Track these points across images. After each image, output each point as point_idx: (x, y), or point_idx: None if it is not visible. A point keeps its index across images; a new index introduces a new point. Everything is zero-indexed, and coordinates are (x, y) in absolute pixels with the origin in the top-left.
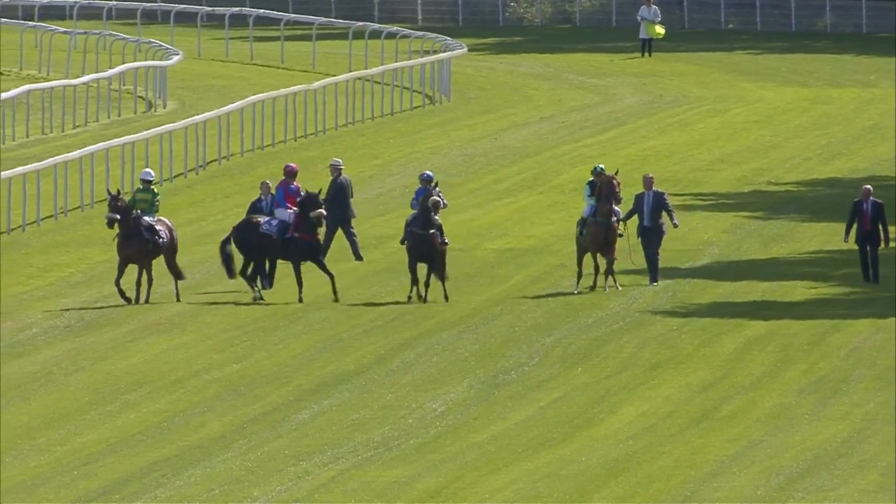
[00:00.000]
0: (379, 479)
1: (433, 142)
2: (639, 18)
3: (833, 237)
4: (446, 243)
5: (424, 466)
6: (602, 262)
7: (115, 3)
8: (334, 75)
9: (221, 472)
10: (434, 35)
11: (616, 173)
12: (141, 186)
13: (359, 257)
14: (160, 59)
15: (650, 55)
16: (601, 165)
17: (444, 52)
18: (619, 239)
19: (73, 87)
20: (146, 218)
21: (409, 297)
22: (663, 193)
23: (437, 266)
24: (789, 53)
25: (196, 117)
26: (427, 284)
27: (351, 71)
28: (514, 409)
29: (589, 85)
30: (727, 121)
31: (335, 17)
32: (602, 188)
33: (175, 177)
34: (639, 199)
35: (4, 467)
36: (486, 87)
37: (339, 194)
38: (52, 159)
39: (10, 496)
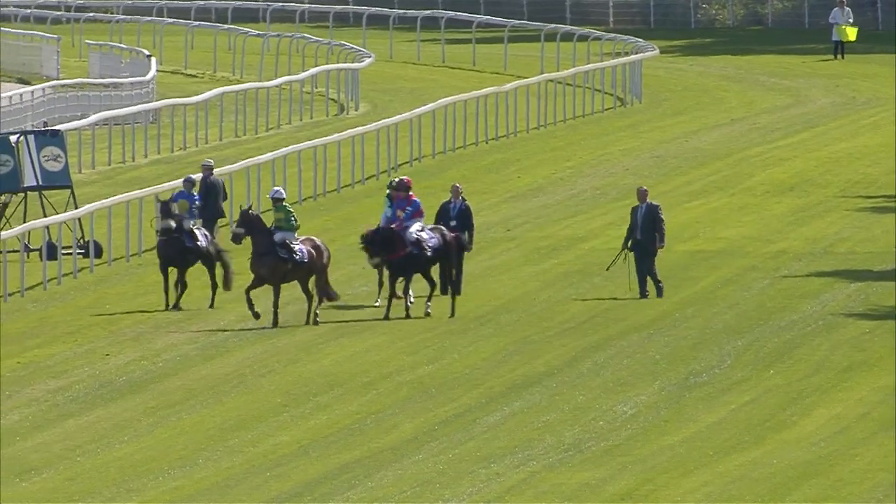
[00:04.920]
0: (569, 481)
1: (624, 144)
2: (831, 21)
3: None
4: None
5: (615, 469)
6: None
7: (307, 5)
8: (526, 77)
9: (413, 473)
10: (625, 37)
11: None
12: (273, 207)
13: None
14: (352, 62)
15: (843, 57)
16: (398, 179)
17: (636, 53)
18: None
19: (266, 90)
20: (287, 235)
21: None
22: (657, 206)
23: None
24: None
25: (387, 120)
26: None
27: (542, 73)
28: (705, 411)
29: (781, 87)
30: None
31: (527, 20)
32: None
33: (367, 179)
34: (633, 212)
35: (198, 468)
36: (677, 88)
37: (210, 194)
38: (244, 162)
39: (205, 497)
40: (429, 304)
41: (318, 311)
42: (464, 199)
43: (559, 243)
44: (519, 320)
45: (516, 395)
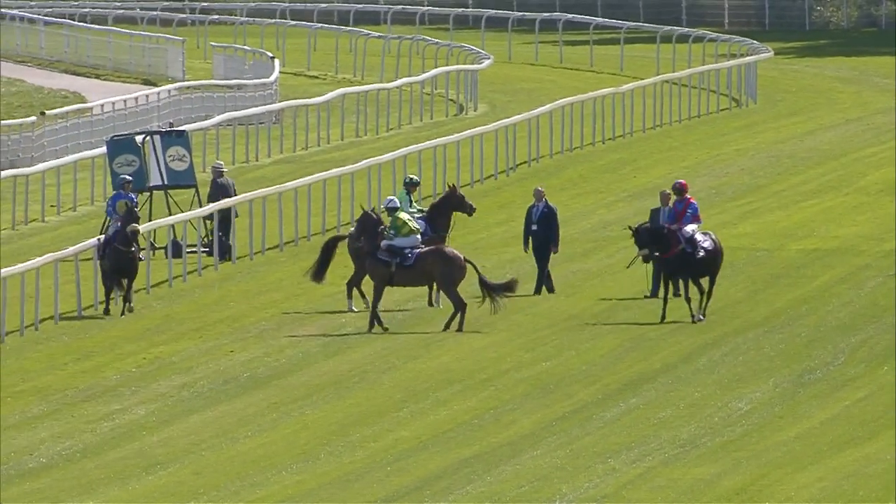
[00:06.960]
0: (685, 476)
1: (739, 144)
2: None
3: None
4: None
5: (730, 464)
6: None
7: (427, 8)
8: (642, 78)
9: (531, 468)
10: (740, 38)
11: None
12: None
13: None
14: (471, 63)
15: None
16: (413, 176)
17: (751, 55)
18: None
19: (387, 91)
20: (398, 242)
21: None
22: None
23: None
24: None
25: (506, 120)
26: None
27: (658, 74)
28: (819, 407)
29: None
30: None
31: (643, 21)
32: (450, 202)
33: (485, 178)
34: (654, 215)
35: (320, 463)
36: (791, 89)
37: (221, 195)
38: (365, 161)
39: (326, 491)
40: (691, 306)
41: (461, 322)
42: (547, 202)
43: None
44: (635, 317)
45: (632, 392)
